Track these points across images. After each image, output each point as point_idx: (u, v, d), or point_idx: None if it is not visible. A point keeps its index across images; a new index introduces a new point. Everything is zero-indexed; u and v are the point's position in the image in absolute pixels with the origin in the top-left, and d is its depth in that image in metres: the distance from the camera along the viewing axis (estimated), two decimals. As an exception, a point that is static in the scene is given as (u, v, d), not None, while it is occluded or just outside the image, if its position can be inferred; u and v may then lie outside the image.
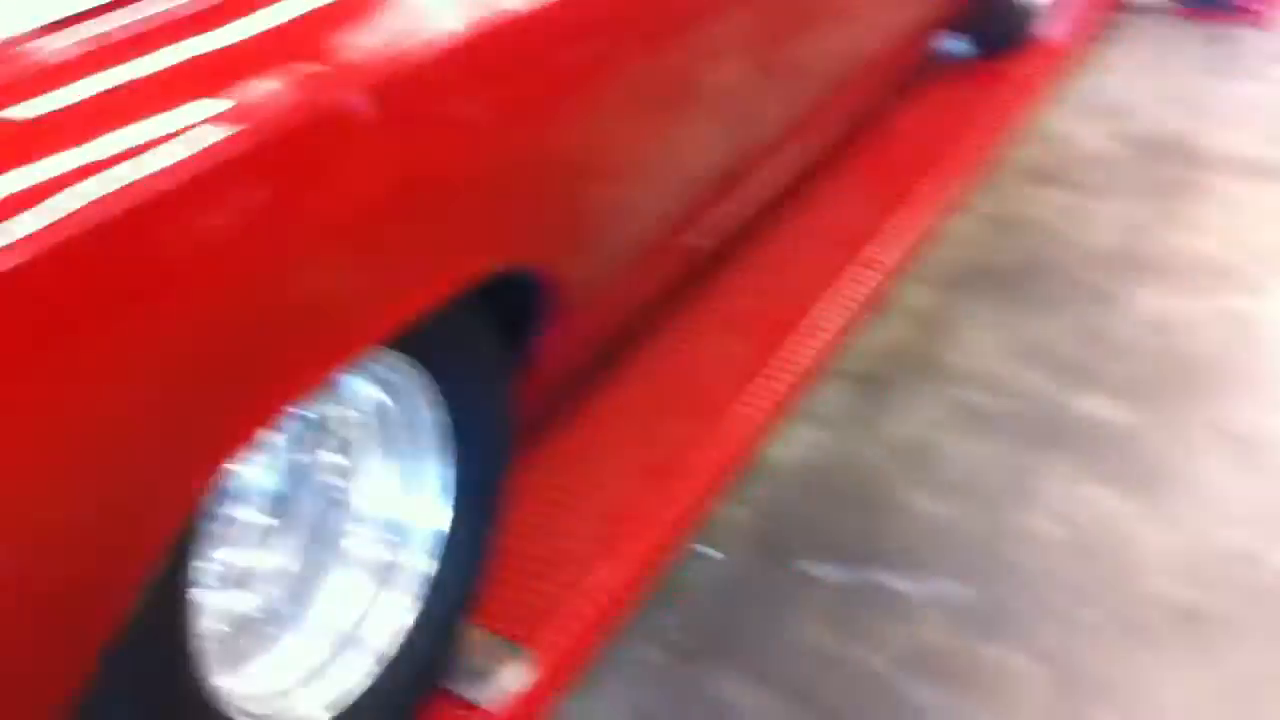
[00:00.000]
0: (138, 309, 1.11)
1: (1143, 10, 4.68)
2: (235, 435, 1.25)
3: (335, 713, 1.61)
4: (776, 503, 2.39)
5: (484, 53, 1.50)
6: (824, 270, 2.87)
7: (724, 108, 2.15)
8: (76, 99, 1.12)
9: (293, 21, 1.32)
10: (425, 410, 1.64)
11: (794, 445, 2.53)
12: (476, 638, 1.89)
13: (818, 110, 2.72)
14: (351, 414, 1.63)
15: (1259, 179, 3.54)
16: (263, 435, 1.31)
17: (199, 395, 1.18)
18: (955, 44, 3.98)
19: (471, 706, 1.84)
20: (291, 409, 1.35)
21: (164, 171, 1.11)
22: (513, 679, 1.86)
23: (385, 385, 1.61)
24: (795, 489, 2.43)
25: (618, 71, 1.79)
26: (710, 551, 2.26)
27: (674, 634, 2.10)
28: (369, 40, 1.37)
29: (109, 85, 1.15)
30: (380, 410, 1.64)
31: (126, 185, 1.08)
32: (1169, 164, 3.63)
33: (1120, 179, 3.56)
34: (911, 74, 3.49)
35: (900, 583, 2.22)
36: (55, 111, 1.10)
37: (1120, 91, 4.08)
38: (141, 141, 1.12)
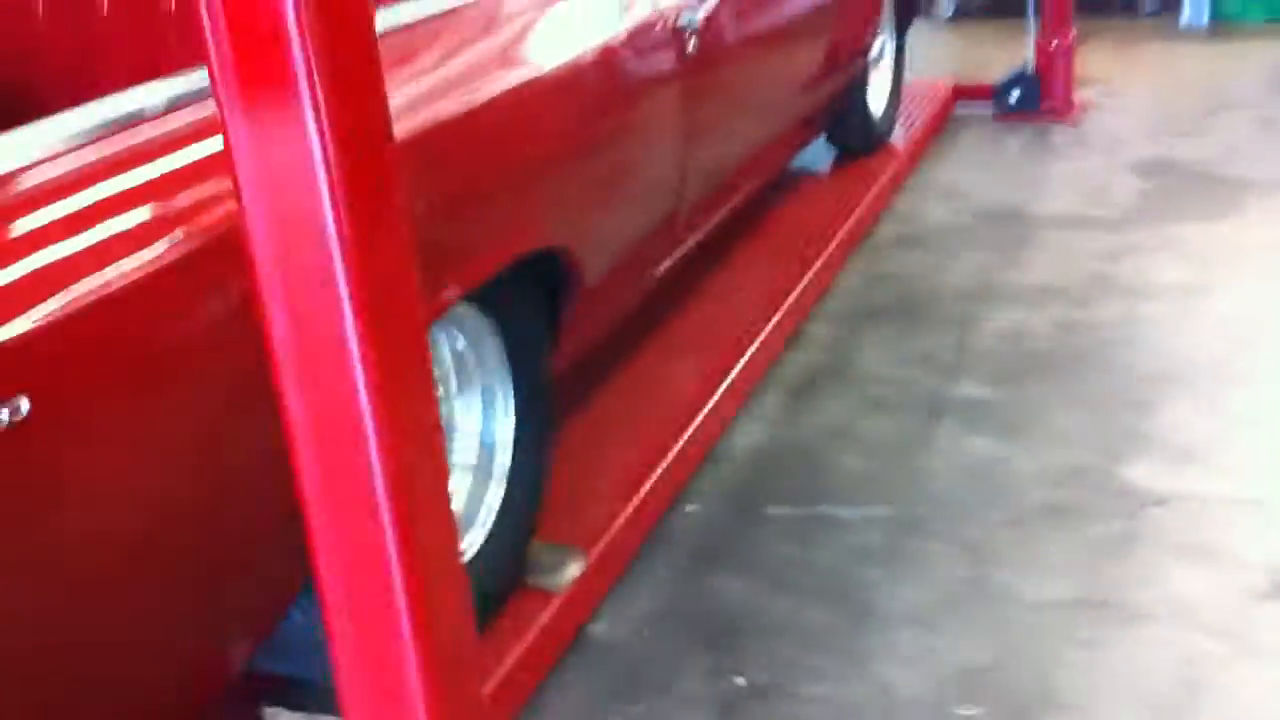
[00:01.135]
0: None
1: (969, 118, 5.66)
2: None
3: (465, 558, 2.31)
4: (736, 473, 3.13)
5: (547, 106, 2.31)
6: (757, 309, 3.66)
7: (685, 161, 2.99)
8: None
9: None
10: (493, 355, 2.38)
11: (745, 435, 3.28)
12: (542, 545, 2.59)
13: (740, 175, 3.58)
14: (445, 357, 2.36)
15: (1076, 228, 4.45)
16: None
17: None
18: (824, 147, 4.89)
19: (547, 594, 2.52)
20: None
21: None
22: (573, 572, 2.56)
23: (467, 335, 2.35)
24: (749, 462, 3.17)
25: (614, 128, 2.61)
26: (692, 508, 3.00)
27: (678, 552, 2.82)
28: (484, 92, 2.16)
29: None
30: (462, 353, 2.37)
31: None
32: (1004, 226, 4.53)
33: (967, 239, 4.45)
34: (791, 161, 4.36)
35: (840, 511, 2.97)
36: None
37: (958, 178, 5.02)
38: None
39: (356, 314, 1.29)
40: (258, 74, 1.22)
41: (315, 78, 1.21)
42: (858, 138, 4.82)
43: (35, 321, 1.42)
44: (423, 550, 1.42)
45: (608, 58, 2.67)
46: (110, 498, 1.57)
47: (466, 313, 2.29)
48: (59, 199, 1.54)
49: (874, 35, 4.59)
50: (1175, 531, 2.80)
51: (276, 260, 1.29)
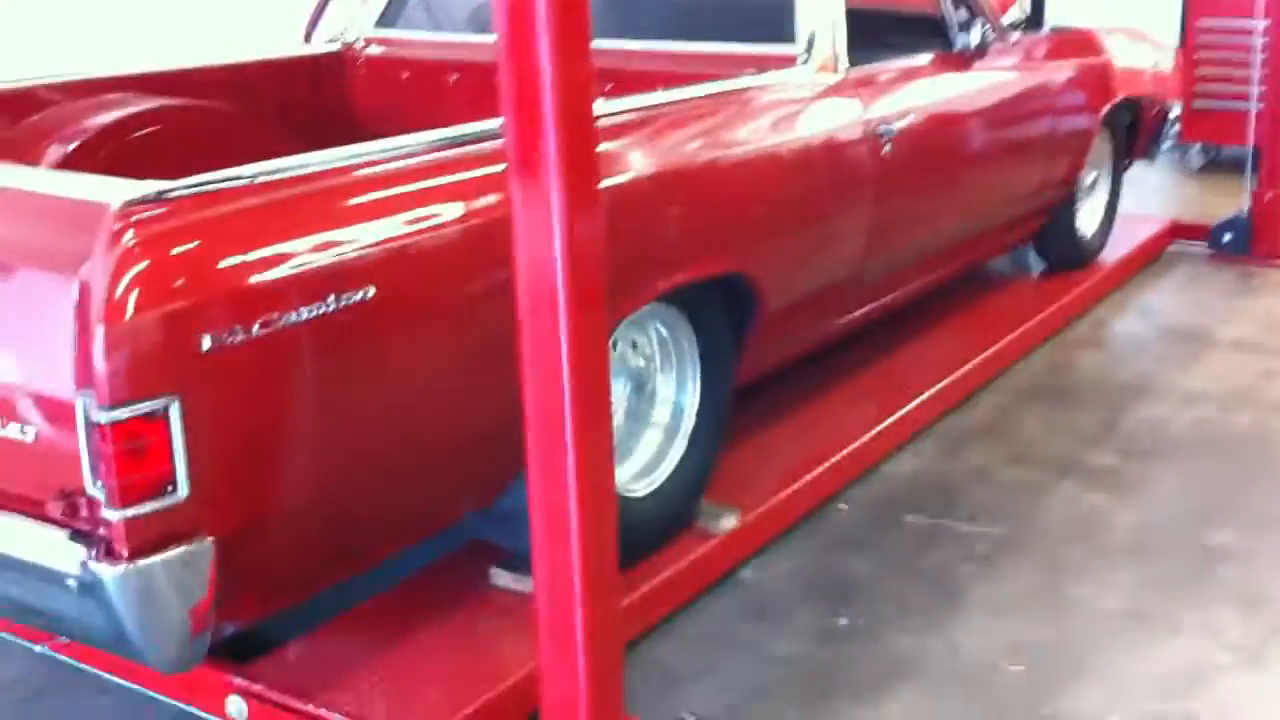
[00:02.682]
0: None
1: (1185, 255, 6.24)
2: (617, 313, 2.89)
3: (649, 491, 3.20)
4: (886, 489, 3.90)
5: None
6: (936, 370, 4.43)
7: (871, 238, 3.84)
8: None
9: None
10: (688, 344, 3.27)
11: (901, 464, 4.05)
12: (707, 502, 3.43)
13: (925, 262, 4.39)
14: (652, 339, 3.26)
15: (1244, 351, 5.02)
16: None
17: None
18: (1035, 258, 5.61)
19: (708, 535, 3.36)
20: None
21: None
22: (729, 524, 3.38)
23: (667, 325, 3.24)
24: (899, 484, 3.93)
25: (808, 199, 3.51)
26: (843, 506, 3.78)
27: (823, 535, 3.61)
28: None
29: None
30: (664, 341, 3.27)
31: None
32: (1183, 343, 5.13)
33: (1145, 348, 5.09)
34: (985, 261, 5.12)
35: (961, 525, 3.69)
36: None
37: (1156, 301, 5.63)
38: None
39: (566, 313, 2.14)
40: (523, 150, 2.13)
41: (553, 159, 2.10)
42: (1064, 253, 5.52)
43: (381, 242, 2.40)
44: (591, 479, 2.24)
45: (813, 145, 3.58)
46: (421, 368, 2.53)
47: (669, 310, 3.20)
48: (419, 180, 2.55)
49: (1078, 169, 5.28)
50: (1231, 580, 3.41)
51: (526, 266, 2.17)
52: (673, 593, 3.21)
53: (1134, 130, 5.80)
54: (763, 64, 3.73)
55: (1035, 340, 4.99)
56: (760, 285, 3.37)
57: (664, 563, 3.21)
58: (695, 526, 3.37)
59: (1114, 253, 5.80)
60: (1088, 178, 5.51)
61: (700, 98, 3.37)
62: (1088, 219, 5.60)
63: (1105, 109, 5.30)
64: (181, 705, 2.80)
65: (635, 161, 3.03)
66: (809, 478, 3.68)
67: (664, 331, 3.27)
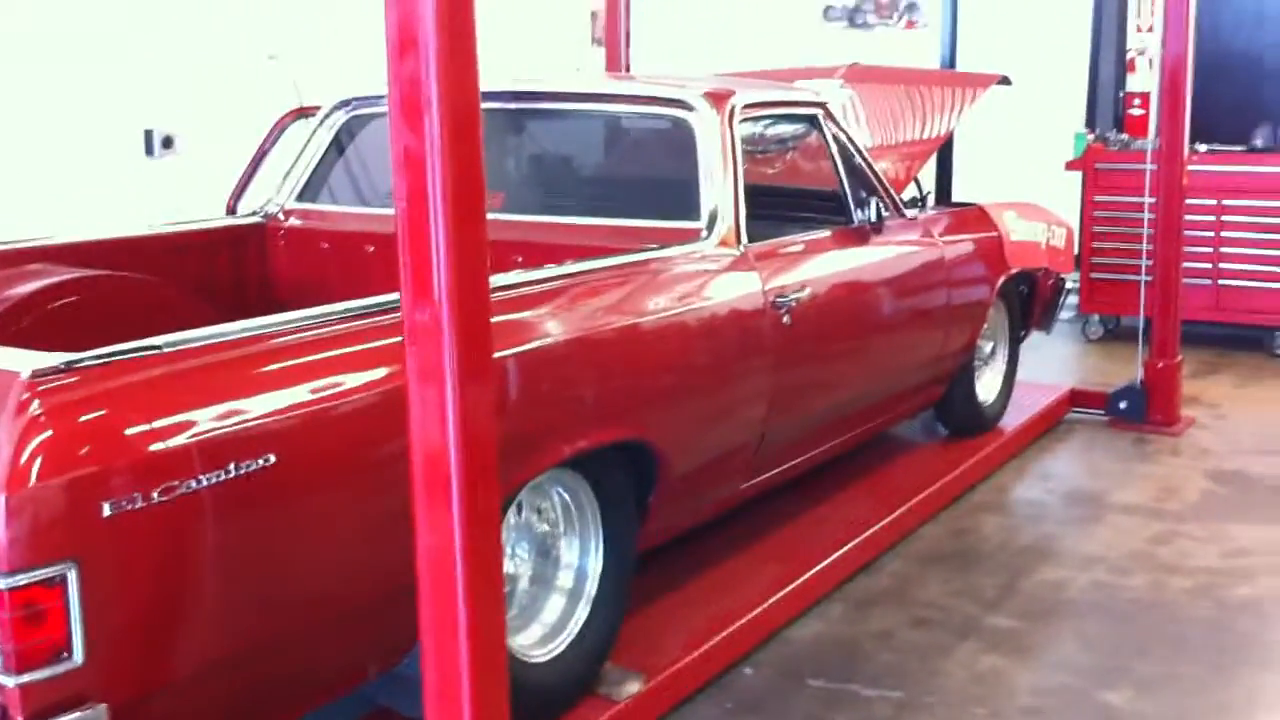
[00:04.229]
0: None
1: (1085, 422, 6.44)
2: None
3: (549, 658, 3.22)
4: (791, 651, 3.95)
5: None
6: (841, 534, 4.52)
7: (772, 405, 3.95)
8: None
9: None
10: (590, 509, 3.34)
11: (805, 628, 4.11)
12: (612, 666, 3.46)
13: (824, 429, 4.51)
14: (555, 503, 3.33)
15: (1141, 515, 5.17)
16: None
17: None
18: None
19: (610, 701, 3.39)
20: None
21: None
22: (632, 689, 3.42)
23: (570, 490, 3.32)
24: (803, 646, 3.99)
25: (707, 367, 3.63)
26: (748, 670, 3.83)
27: (728, 698, 3.65)
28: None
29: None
30: (566, 506, 3.34)
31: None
32: (1080, 506, 5.29)
33: (1043, 513, 5.23)
34: (882, 429, 5.26)
35: (863, 690, 3.75)
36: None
37: (1055, 466, 5.81)
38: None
39: (458, 482, 2.22)
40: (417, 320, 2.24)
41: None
42: (965, 420, 5.69)
43: (283, 410, 2.48)
44: (482, 645, 2.30)
45: (715, 315, 3.72)
46: (322, 533, 2.60)
47: (572, 475, 3.28)
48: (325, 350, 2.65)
49: (975, 338, 5.48)
50: (1124, 739, 3.49)
51: (418, 435, 2.25)
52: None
53: (1029, 301, 6.04)
54: (668, 239, 3.88)
55: (938, 505, 5.11)
56: (661, 451, 3.46)
57: (563, 735, 3.24)
58: (599, 692, 3.40)
59: (1014, 419, 5.99)
60: (986, 347, 5.72)
61: (606, 269, 3.51)
62: (987, 386, 5.79)
63: (1000, 281, 5.53)
64: None
65: (540, 329, 3.14)
66: (714, 642, 3.73)
67: (567, 496, 3.34)
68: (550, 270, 3.36)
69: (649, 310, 3.52)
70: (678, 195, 4.03)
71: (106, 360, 2.34)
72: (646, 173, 4.66)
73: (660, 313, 3.55)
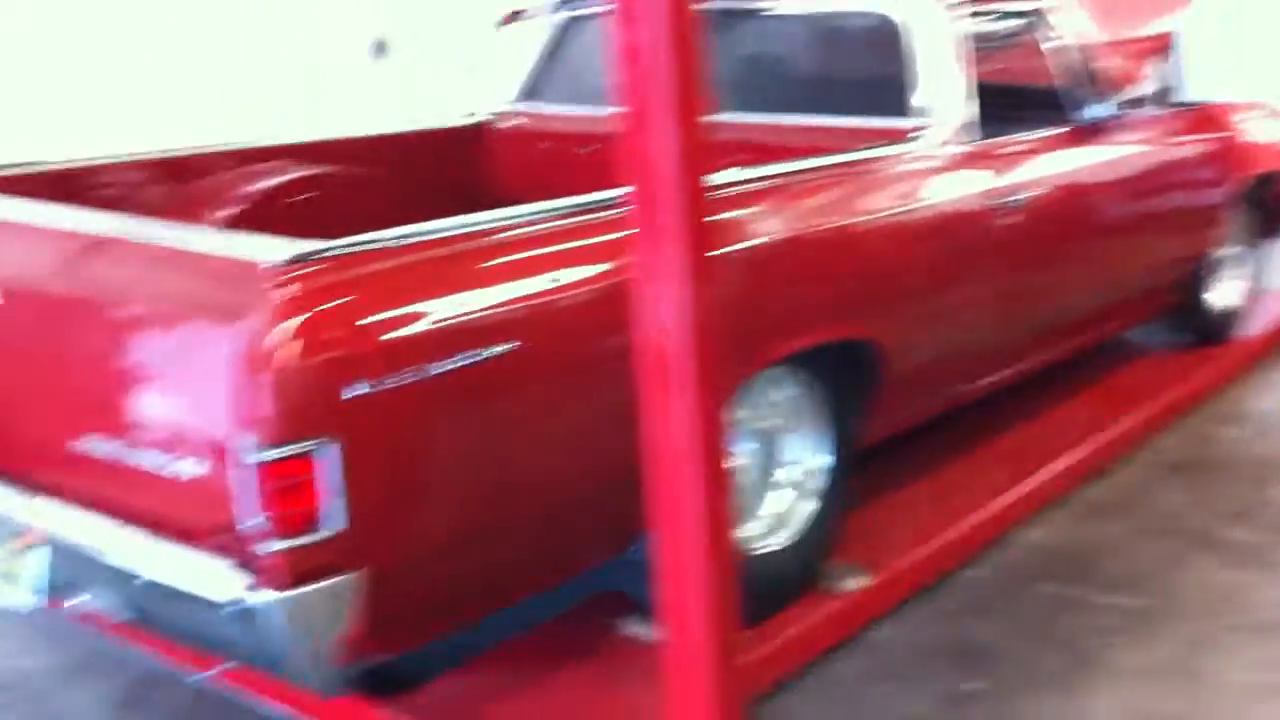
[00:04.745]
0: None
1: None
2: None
3: (776, 549, 3.27)
4: (1018, 556, 3.88)
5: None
6: (1073, 439, 4.41)
7: (997, 308, 3.85)
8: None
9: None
10: (813, 406, 3.33)
11: (1034, 533, 4.02)
12: (835, 562, 3.45)
13: (1052, 334, 4.38)
14: (778, 400, 3.32)
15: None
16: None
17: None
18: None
19: (832, 596, 3.38)
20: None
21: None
22: (852, 585, 3.41)
23: (794, 387, 3.30)
24: (1031, 551, 3.91)
25: (933, 268, 3.55)
26: (972, 573, 3.77)
27: (954, 598, 3.61)
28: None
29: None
30: (790, 402, 3.33)
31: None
32: (1325, 418, 5.03)
33: (1282, 427, 5.00)
34: (1116, 333, 5.07)
35: (1093, 596, 3.65)
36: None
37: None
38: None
39: (685, 374, 2.24)
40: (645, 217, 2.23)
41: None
42: (1200, 328, 5.44)
43: (515, 301, 2.54)
44: (712, 534, 2.33)
45: (940, 214, 3.63)
46: (553, 421, 2.66)
47: (795, 373, 3.26)
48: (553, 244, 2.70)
49: (1213, 244, 5.23)
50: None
51: (645, 327, 2.26)
52: (799, 650, 3.24)
53: (1275, 207, 5.73)
54: (891, 137, 3.80)
55: (1174, 413, 4.92)
56: (885, 350, 3.41)
57: (790, 621, 3.25)
58: (822, 586, 3.40)
59: (1258, 328, 5.70)
60: (1226, 253, 5.44)
61: (829, 166, 3.46)
62: (1226, 294, 5.52)
63: (1241, 184, 5.25)
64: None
65: (763, 229, 3.12)
66: (940, 541, 3.69)
67: (790, 392, 3.32)
68: (774, 168, 3.32)
69: (873, 209, 3.46)
70: (898, 92, 3.93)
71: (348, 250, 2.42)
72: (866, 69, 4.53)
73: (885, 211, 3.49)
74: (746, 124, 4.05)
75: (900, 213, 3.54)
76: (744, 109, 4.11)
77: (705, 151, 2.24)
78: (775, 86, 4.54)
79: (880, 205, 3.49)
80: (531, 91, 4.78)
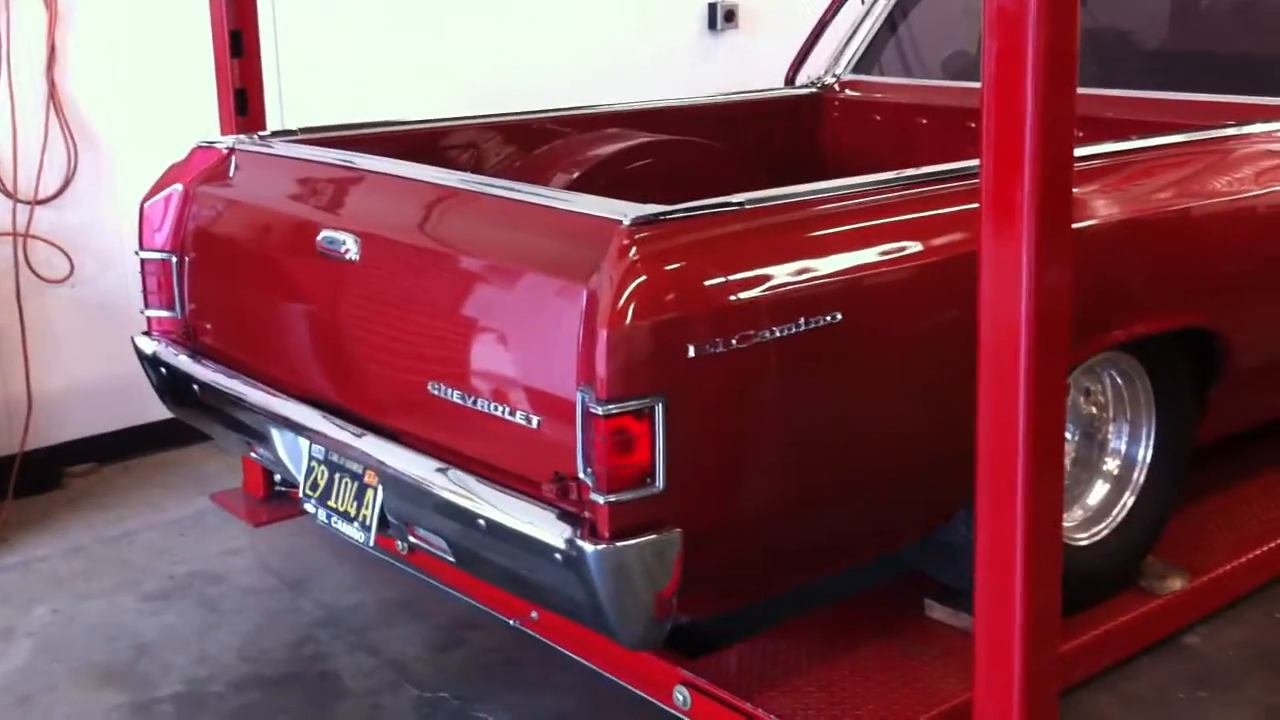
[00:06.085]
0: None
1: None
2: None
3: (1091, 542, 3.20)
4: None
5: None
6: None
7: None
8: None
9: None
10: (1144, 396, 3.21)
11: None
12: (1154, 561, 3.34)
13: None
14: (1106, 387, 3.23)
15: None
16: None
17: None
18: None
19: (1151, 595, 3.27)
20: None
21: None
22: (1174, 586, 3.29)
23: (1124, 375, 3.20)
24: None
25: None
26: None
27: (1276, 612, 3.44)
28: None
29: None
30: (1119, 390, 3.23)
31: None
32: None
33: None
34: None
35: None
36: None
37: None
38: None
39: (1027, 355, 2.18)
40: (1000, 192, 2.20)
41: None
42: None
43: (850, 271, 2.55)
44: (1039, 519, 2.27)
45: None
46: (879, 393, 2.67)
47: (1128, 360, 3.17)
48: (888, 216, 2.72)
49: None
50: None
51: (991, 305, 2.24)
52: (1111, 648, 3.17)
53: None
54: (1254, 115, 3.62)
55: None
56: (1229, 342, 3.27)
57: (1103, 617, 3.17)
58: (1139, 585, 3.30)
59: None
60: None
61: (1178, 145, 3.33)
62: None
63: None
64: (631, 689, 3.03)
65: (1104, 207, 3.03)
66: (1267, 547, 3.52)
67: (1119, 381, 3.23)
68: (1119, 145, 3.20)
69: (1223, 192, 3.30)
70: (1266, 68, 3.74)
71: (690, 214, 2.48)
72: (1241, 44, 4.31)
73: (1236, 195, 3.33)
74: (1106, 97, 3.91)
75: (1253, 196, 3.36)
76: (1108, 84, 3.97)
77: (1072, 121, 2.19)
78: (1155, 60, 4.35)
79: (1230, 187, 3.32)
80: (867, 63, 4.76)
